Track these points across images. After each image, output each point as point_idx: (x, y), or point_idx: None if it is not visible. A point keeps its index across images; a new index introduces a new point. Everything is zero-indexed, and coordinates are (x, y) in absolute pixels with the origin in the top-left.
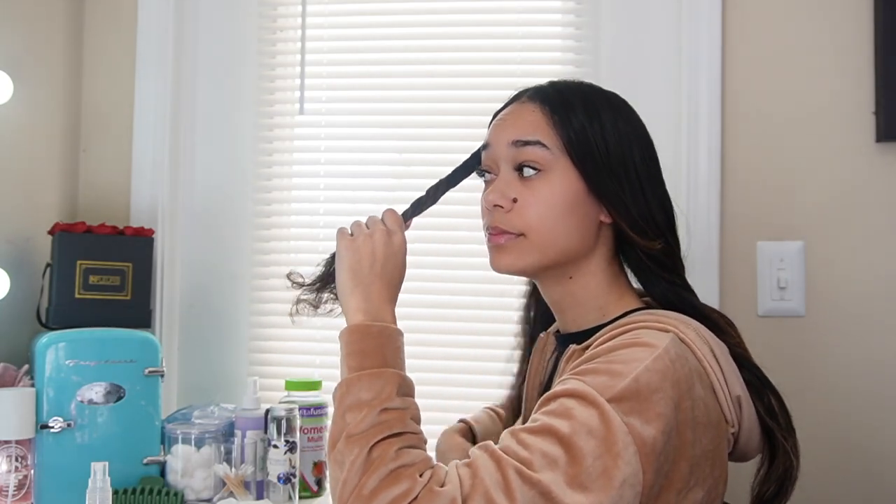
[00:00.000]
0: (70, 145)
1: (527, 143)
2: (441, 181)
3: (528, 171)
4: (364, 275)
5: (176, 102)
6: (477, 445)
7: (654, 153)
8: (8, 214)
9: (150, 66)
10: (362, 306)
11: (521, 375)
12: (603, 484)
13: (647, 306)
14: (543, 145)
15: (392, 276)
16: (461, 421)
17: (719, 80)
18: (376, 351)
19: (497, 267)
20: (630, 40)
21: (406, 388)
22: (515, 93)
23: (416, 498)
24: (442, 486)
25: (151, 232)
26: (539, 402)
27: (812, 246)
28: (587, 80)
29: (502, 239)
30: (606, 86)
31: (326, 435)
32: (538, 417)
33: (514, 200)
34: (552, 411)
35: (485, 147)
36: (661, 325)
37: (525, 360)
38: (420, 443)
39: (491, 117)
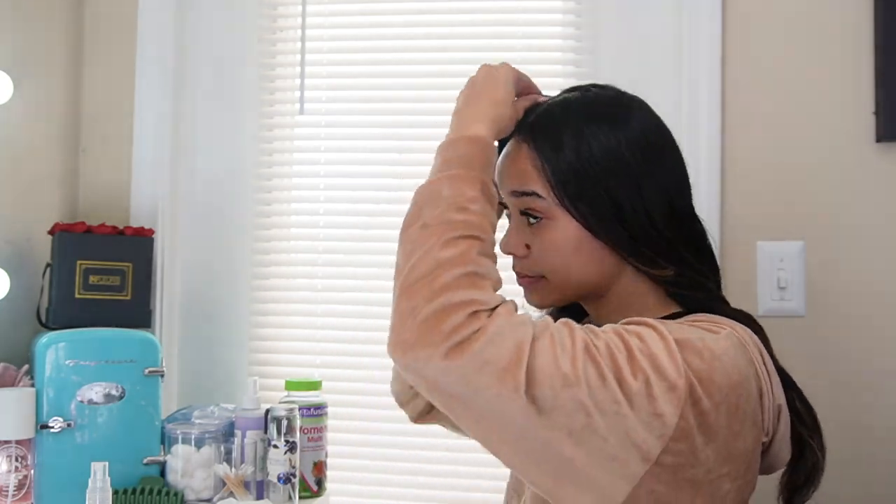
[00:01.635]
0: (70, 145)
1: (524, 193)
2: None
3: (531, 220)
4: (466, 98)
5: (176, 102)
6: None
7: (660, 154)
8: (8, 214)
9: (150, 66)
10: (457, 123)
11: None
12: (643, 399)
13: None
14: (538, 195)
15: (488, 94)
16: None
17: (719, 79)
18: (461, 158)
19: (530, 304)
20: (630, 40)
21: (489, 196)
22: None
23: (493, 309)
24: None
25: (151, 232)
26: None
27: (812, 246)
28: (586, 80)
29: (525, 281)
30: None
31: (326, 435)
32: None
33: (528, 246)
34: (625, 328)
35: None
36: (721, 326)
37: None
38: (494, 256)
39: None
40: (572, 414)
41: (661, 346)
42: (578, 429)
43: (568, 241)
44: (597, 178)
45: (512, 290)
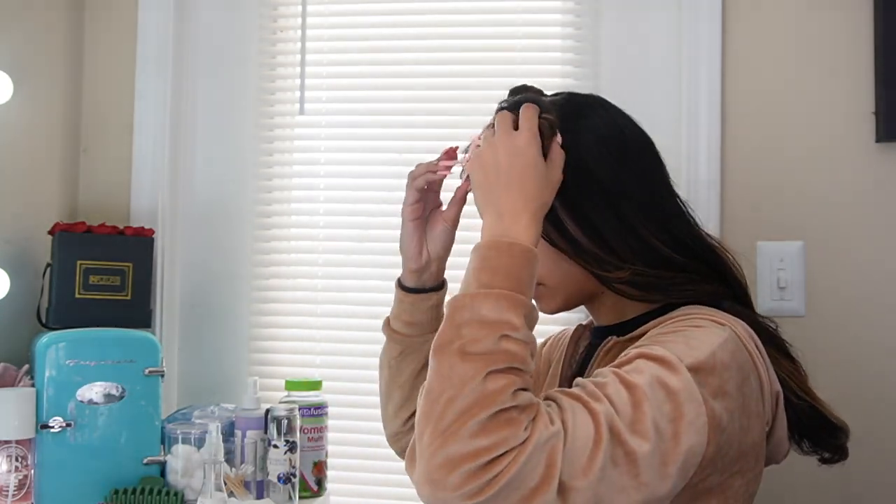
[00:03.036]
0: (70, 145)
1: None
2: None
3: None
4: (491, 188)
5: (176, 102)
6: (563, 390)
7: (634, 148)
8: (8, 214)
9: (150, 66)
10: (494, 223)
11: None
12: (672, 446)
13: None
14: None
15: (522, 181)
16: None
17: (719, 79)
18: (507, 270)
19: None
20: (630, 40)
21: (531, 321)
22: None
23: (522, 443)
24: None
25: (151, 232)
26: (609, 364)
27: (812, 246)
28: (586, 80)
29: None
30: (606, 86)
31: (326, 435)
32: (610, 373)
33: None
34: (633, 369)
35: None
36: (717, 320)
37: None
38: (531, 384)
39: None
40: (616, 498)
41: (675, 380)
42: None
43: (547, 251)
44: (570, 180)
45: None
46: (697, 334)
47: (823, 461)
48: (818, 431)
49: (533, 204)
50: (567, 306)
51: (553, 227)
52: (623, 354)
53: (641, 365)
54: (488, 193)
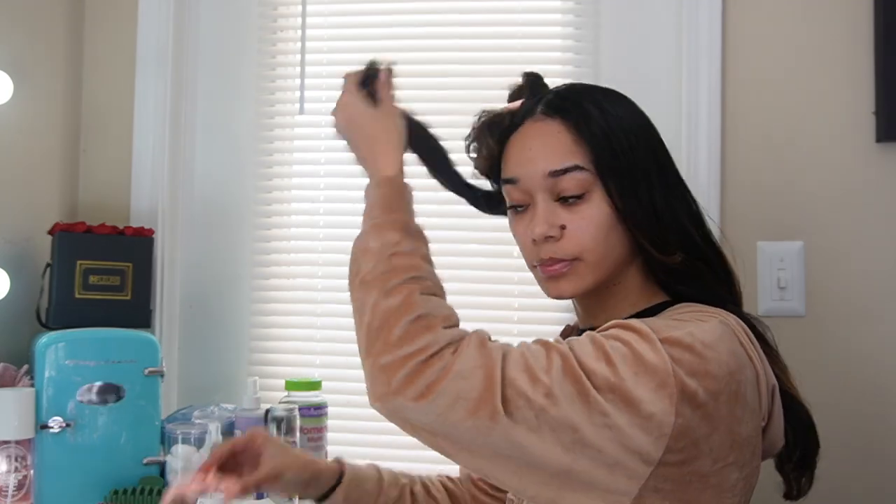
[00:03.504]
0: (70, 145)
1: (565, 170)
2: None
3: (569, 200)
4: (349, 145)
5: (176, 102)
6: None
7: (662, 143)
8: (8, 214)
9: (150, 66)
10: (364, 171)
11: None
12: (626, 386)
13: (675, 300)
14: (581, 168)
15: (361, 129)
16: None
17: (719, 79)
18: (379, 202)
19: (558, 295)
20: (630, 40)
21: (411, 231)
22: (512, 98)
23: (458, 343)
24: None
25: (151, 232)
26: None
27: (812, 246)
28: (586, 80)
29: (560, 268)
30: (606, 85)
31: (326, 435)
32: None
33: (563, 227)
34: (603, 335)
35: (510, 181)
36: (707, 316)
37: None
38: (439, 289)
39: (480, 118)
40: (558, 431)
41: (645, 346)
42: (569, 443)
43: (603, 217)
44: (629, 147)
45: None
46: (685, 318)
47: (788, 490)
48: (801, 426)
49: (380, 141)
50: (593, 285)
51: (620, 195)
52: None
53: (614, 331)
54: (351, 150)
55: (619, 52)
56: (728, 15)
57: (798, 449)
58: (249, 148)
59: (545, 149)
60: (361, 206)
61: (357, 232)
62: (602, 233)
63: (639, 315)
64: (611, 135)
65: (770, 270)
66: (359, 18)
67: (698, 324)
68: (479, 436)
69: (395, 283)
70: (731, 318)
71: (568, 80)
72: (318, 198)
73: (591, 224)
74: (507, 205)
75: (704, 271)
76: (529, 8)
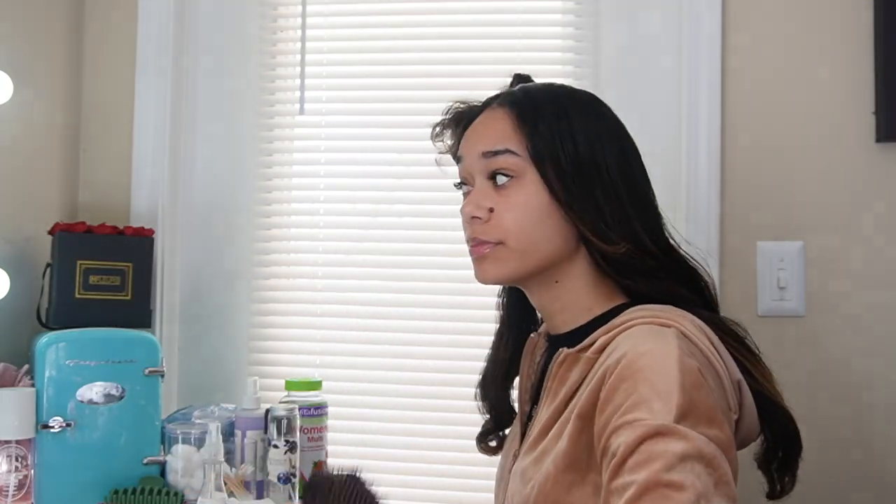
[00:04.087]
0: (70, 145)
1: (496, 152)
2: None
3: (501, 179)
4: None
5: (176, 102)
6: None
7: (632, 150)
8: (8, 214)
9: (150, 66)
10: None
11: (506, 375)
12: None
13: (634, 301)
14: (513, 153)
15: None
16: None
17: (719, 79)
18: None
19: (482, 278)
20: (630, 40)
21: None
22: (486, 99)
23: None
24: None
25: (151, 232)
26: (612, 468)
27: (812, 246)
28: (586, 80)
29: (483, 249)
30: (606, 86)
31: (326, 435)
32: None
33: (491, 210)
34: (641, 464)
35: (459, 160)
36: (661, 321)
37: (508, 359)
38: None
39: (450, 108)
40: None
41: (683, 445)
42: None
43: (534, 204)
44: (572, 139)
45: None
46: (654, 371)
47: (771, 489)
48: (782, 430)
49: None
50: (519, 273)
51: (560, 182)
52: (611, 431)
53: (651, 448)
54: None
55: (619, 53)
56: (728, 14)
57: (780, 450)
58: (249, 148)
59: (486, 131)
60: (361, 206)
61: (356, 232)
62: (531, 219)
63: (598, 320)
64: (555, 127)
65: (770, 270)
66: (359, 18)
67: (672, 363)
68: None
69: None
70: (687, 320)
71: (568, 80)
72: (318, 198)
73: (518, 209)
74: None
75: (655, 268)
76: (529, 8)
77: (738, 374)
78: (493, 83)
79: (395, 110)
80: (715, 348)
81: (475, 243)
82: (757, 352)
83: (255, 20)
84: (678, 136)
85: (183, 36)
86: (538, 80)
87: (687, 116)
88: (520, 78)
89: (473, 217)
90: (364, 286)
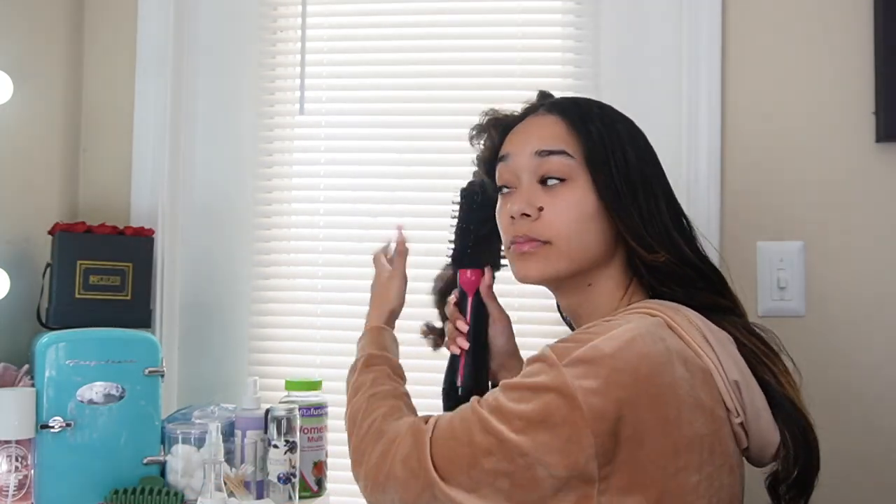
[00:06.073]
0: (70, 145)
1: (552, 152)
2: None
3: (551, 181)
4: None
5: (176, 102)
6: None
7: (661, 168)
8: (8, 214)
9: (150, 66)
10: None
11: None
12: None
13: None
14: (568, 154)
15: (371, 292)
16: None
17: (719, 80)
18: (362, 347)
19: (523, 275)
20: (630, 41)
21: (369, 360)
22: (525, 107)
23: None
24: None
25: (151, 232)
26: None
27: (812, 246)
28: (586, 80)
29: (528, 246)
30: (606, 86)
31: (326, 435)
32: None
33: (541, 209)
34: (524, 374)
35: (502, 159)
36: (649, 311)
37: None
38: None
39: (487, 114)
40: (495, 482)
41: (548, 374)
42: (508, 488)
43: (584, 208)
44: (622, 150)
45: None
46: (596, 328)
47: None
48: (799, 437)
49: (373, 300)
50: (561, 274)
51: (607, 187)
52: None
53: (530, 369)
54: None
55: (620, 52)
56: (728, 15)
57: (795, 466)
58: (249, 148)
59: (540, 132)
60: (361, 206)
61: (356, 232)
62: (580, 221)
63: None
64: (606, 136)
65: (770, 270)
66: (359, 19)
67: (612, 328)
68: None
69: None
70: (680, 315)
71: (568, 81)
72: (318, 198)
73: (568, 209)
74: (497, 187)
75: (693, 277)
76: (529, 8)
77: (736, 376)
78: (493, 83)
79: (395, 110)
80: (709, 345)
81: (522, 240)
82: (777, 351)
83: (255, 20)
84: (678, 135)
85: (183, 36)
86: (539, 81)
87: (687, 116)
88: (544, 95)
89: (523, 214)
90: (364, 286)
